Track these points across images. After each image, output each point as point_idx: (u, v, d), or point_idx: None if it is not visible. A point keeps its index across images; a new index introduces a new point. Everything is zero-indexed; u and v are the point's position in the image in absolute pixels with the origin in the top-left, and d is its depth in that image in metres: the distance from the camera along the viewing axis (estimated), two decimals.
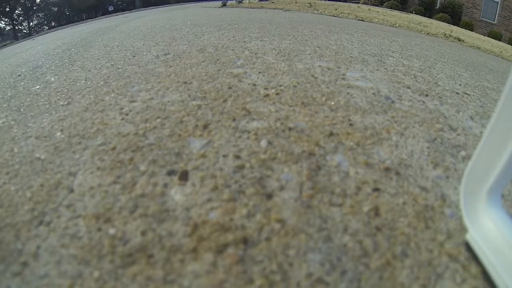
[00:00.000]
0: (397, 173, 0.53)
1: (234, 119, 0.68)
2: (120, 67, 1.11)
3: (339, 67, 1.09)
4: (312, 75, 0.98)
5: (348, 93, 0.85)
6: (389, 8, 9.20)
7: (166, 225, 0.42)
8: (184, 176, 0.50)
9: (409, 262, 0.38)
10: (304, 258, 0.38)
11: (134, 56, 1.26)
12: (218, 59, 1.14)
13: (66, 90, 0.93)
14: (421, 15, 8.39)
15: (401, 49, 1.67)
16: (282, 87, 0.86)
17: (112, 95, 0.84)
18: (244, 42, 1.48)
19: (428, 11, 10.52)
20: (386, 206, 0.46)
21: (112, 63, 1.19)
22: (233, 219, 0.43)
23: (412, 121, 0.72)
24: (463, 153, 0.63)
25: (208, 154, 0.56)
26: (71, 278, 0.35)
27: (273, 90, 0.84)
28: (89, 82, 0.98)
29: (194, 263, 0.37)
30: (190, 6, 7.35)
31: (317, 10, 4.62)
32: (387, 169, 0.54)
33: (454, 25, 7.90)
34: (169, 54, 1.25)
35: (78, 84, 0.98)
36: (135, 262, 0.37)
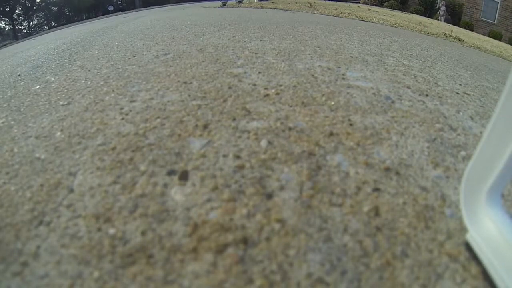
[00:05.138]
0: (397, 173, 0.53)
1: (234, 119, 0.68)
2: (120, 67, 1.11)
3: (339, 67, 1.09)
4: (312, 75, 0.98)
5: (348, 93, 0.85)
6: (389, 8, 9.20)
7: (166, 225, 0.42)
8: (184, 176, 0.50)
9: (409, 262, 0.38)
10: (304, 258, 0.38)
11: (134, 56, 1.26)
12: (218, 59, 1.14)
13: (66, 90, 0.93)
14: (421, 15, 8.39)
15: (401, 49, 1.67)
16: (282, 87, 0.86)
17: (112, 95, 0.84)
18: (244, 42, 1.47)
19: (428, 11, 10.52)
20: (386, 206, 0.46)
21: (112, 63, 1.19)
22: (233, 219, 0.43)
23: (412, 121, 0.72)
24: (463, 153, 0.63)
25: (208, 154, 0.56)
26: (71, 278, 0.35)
27: (273, 90, 0.84)
28: (89, 82, 0.98)
29: (194, 263, 0.37)
30: (190, 6, 7.34)
31: (317, 10, 4.62)
32: (387, 169, 0.54)
33: (454, 25, 7.89)
34: (169, 54, 1.25)
35: (78, 84, 0.98)
36: (135, 262, 0.37)
